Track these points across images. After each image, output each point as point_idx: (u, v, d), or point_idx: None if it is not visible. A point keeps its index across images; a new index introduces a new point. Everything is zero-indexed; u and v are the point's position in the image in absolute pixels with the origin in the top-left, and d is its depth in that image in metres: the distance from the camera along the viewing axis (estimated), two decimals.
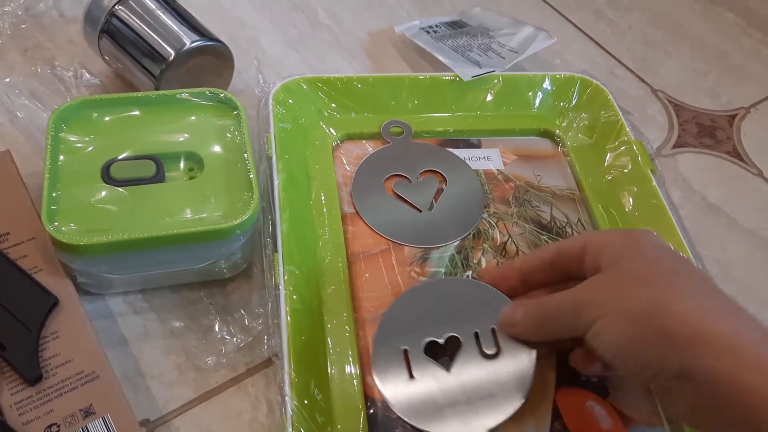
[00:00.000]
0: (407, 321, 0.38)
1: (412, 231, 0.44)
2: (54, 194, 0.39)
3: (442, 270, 0.42)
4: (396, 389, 0.36)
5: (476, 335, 0.37)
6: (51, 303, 0.37)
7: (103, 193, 0.39)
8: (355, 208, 0.45)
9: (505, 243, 0.44)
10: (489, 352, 0.37)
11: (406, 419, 0.35)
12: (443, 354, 0.37)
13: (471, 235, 0.45)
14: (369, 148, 0.49)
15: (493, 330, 0.37)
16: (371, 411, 0.36)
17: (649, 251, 0.33)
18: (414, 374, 0.37)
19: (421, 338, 0.37)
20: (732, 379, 0.28)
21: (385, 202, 0.46)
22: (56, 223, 0.37)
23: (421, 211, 0.45)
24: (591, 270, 0.33)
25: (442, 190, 0.47)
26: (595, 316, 0.31)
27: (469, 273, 0.42)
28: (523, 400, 0.36)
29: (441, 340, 0.37)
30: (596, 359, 0.35)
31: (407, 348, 0.37)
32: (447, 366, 0.37)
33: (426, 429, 0.35)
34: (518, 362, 0.36)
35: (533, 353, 0.36)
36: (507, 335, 0.37)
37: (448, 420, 0.35)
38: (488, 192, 0.47)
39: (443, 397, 0.36)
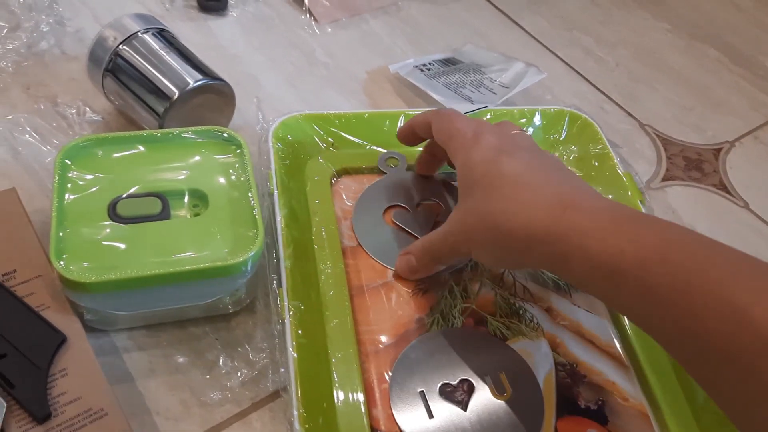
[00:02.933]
0: (421, 365, 0.40)
1: None
2: (61, 233, 0.39)
3: (443, 302, 0.43)
4: (418, 429, 0.38)
5: (486, 379, 0.40)
6: (59, 340, 0.37)
7: (110, 231, 0.40)
8: (356, 240, 0.46)
9: (502, 274, 0.45)
10: (501, 394, 0.39)
11: None
12: (456, 396, 0.39)
13: (469, 267, 0.46)
14: (366, 182, 0.50)
15: (502, 374, 0.40)
16: None
17: (482, 168, 0.39)
18: (433, 414, 0.38)
19: (436, 381, 0.40)
20: (562, 256, 0.35)
21: (386, 231, 0.47)
22: (64, 261, 0.38)
23: None
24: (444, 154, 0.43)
25: (440, 219, 0.48)
26: (467, 249, 0.39)
27: (468, 305, 0.44)
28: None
29: (454, 383, 0.40)
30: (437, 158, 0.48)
31: (423, 390, 0.39)
32: (464, 406, 0.39)
33: None
34: (529, 402, 0.39)
35: (541, 393, 0.39)
36: (412, 279, 0.44)
37: None
38: None
39: None
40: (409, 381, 0.40)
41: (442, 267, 0.44)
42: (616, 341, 0.43)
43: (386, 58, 0.62)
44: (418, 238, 0.46)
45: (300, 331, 0.39)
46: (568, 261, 0.34)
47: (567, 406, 0.40)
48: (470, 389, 0.40)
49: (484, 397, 0.39)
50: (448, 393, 0.39)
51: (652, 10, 0.74)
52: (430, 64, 0.61)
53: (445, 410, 0.39)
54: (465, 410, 0.39)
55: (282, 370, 0.38)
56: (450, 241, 0.40)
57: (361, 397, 0.38)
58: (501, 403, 0.39)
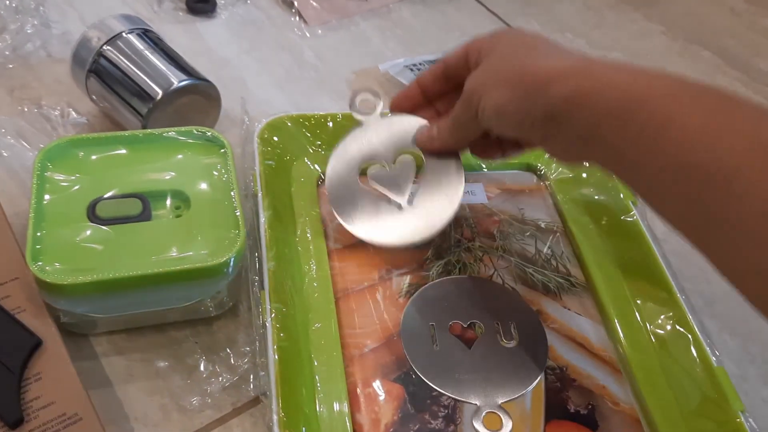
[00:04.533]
0: (436, 303, 0.43)
1: (393, 226, 0.43)
2: (39, 234, 0.38)
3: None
4: (420, 355, 0.40)
5: (497, 326, 0.42)
6: (33, 344, 0.36)
7: (89, 232, 0.39)
8: (337, 228, 0.44)
9: (491, 276, 0.45)
10: (508, 344, 0.41)
11: (425, 379, 0.39)
12: (463, 335, 0.42)
13: (457, 270, 0.45)
14: None
15: (512, 325, 0.42)
16: None
17: (512, 38, 0.39)
18: (438, 345, 0.41)
19: (447, 319, 0.42)
20: (580, 91, 0.33)
21: (363, 197, 0.44)
22: (40, 263, 0.37)
23: (401, 207, 0.44)
24: (474, 68, 0.40)
25: (418, 182, 0.44)
26: (478, 97, 0.38)
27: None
28: (537, 381, 0.40)
29: (464, 324, 0.42)
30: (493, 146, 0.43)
31: (434, 323, 0.42)
32: (469, 345, 0.41)
33: (443, 391, 0.39)
34: (532, 353, 0.41)
35: (546, 347, 0.41)
36: (429, 150, 0.43)
37: (464, 388, 0.39)
38: (473, 225, 0.47)
39: (461, 369, 0.40)
40: (422, 315, 0.42)
41: (459, 140, 0.42)
42: (608, 345, 0.42)
43: (376, 60, 0.62)
44: (398, 203, 0.44)
45: (282, 334, 0.38)
46: (585, 96, 0.33)
47: (556, 410, 0.39)
48: (478, 332, 0.41)
49: (490, 340, 0.41)
50: (456, 331, 0.41)
51: (646, 13, 0.73)
52: (420, 64, 0.60)
53: (450, 344, 0.41)
54: (469, 348, 0.41)
55: (263, 374, 0.38)
56: (463, 96, 0.39)
57: (344, 402, 0.37)
58: (505, 348, 0.41)
